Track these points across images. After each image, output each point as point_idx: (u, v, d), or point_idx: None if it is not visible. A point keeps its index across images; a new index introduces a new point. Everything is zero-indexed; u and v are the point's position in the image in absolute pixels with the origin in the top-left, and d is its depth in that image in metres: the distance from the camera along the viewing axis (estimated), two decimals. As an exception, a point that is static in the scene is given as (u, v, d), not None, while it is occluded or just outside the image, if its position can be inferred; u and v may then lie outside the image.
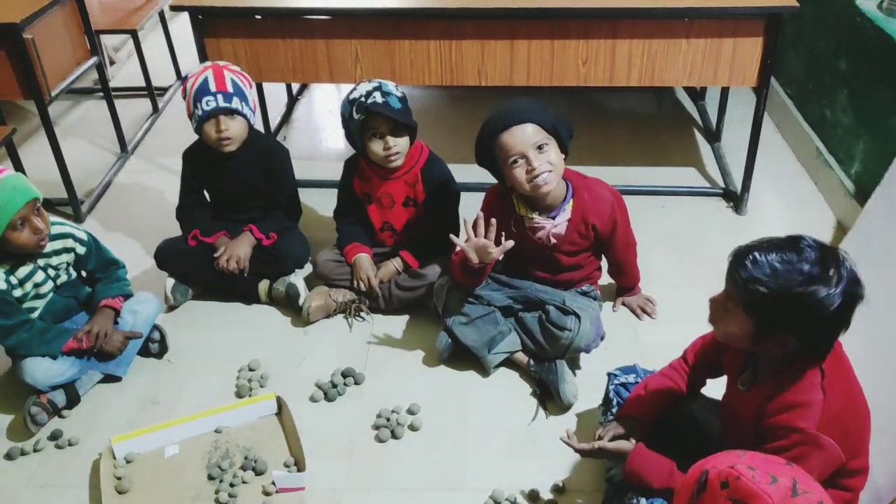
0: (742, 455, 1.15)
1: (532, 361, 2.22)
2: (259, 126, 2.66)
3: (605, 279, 2.44)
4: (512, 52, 2.66)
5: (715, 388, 1.80)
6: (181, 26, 3.49)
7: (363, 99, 2.25)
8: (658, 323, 2.43)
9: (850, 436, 1.45)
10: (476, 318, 2.23)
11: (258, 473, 1.96)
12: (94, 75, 3.67)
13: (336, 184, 2.57)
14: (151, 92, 3.84)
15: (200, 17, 2.70)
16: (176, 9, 2.70)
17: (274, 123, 3.57)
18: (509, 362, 2.26)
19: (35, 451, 2.06)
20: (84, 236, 2.23)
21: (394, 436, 2.07)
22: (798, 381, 1.43)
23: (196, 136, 2.47)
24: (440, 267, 2.41)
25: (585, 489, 1.91)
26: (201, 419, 2.07)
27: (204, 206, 2.61)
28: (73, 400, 2.17)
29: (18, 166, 2.86)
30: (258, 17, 2.72)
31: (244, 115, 2.39)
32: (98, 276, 2.29)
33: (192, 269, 2.52)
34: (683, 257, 2.73)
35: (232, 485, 1.92)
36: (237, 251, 2.44)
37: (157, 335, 2.34)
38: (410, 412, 2.14)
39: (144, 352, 2.33)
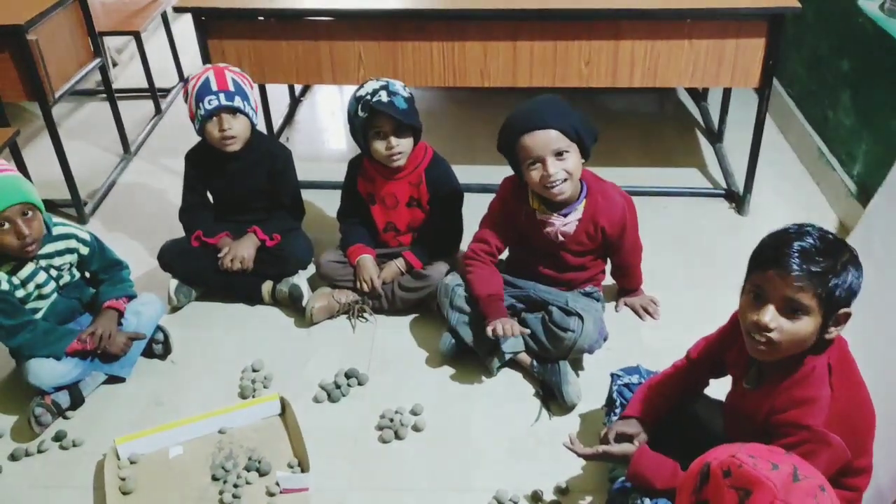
0: (742, 446, 1.17)
1: (535, 362, 2.22)
2: (262, 128, 2.67)
3: (608, 280, 2.45)
4: (515, 53, 2.67)
5: (716, 389, 1.80)
6: (184, 28, 3.49)
7: (368, 97, 2.26)
8: (661, 324, 2.43)
9: (856, 433, 1.45)
10: (473, 312, 2.23)
11: (262, 474, 1.96)
12: (97, 77, 3.68)
13: (339, 185, 2.57)
14: (154, 93, 3.84)
15: (203, 18, 2.70)
16: (179, 10, 2.70)
17: (276, 125, 3.57)
18: (513, 363, 2.26)
19: (39, 451, 2.06)
20: (87, 237, 2.23)
21: (397, 436, 2.07)
22: (806, 377, 1.43)
23: (199, 139, 2.47)
24: (446, 266, 2.42)
25: (589, 490, 1.91)
26: (205, 420, 2.07)
27: (207, 207, 2.61)
28: (76, 401, 2.17)
29: (22, 167, 2.86)
30: (261, 18, 2.72)
31: (246, 115, 2.39)
32: (101, 278, 2.29)
33: (195, 270, 2.52)
34: (685, 258, 2.73)
35: (236, 485, 1.92)
36: (241, 251, 2.45)
37: (160, 336, 2.34)
38: (414, 413, 2.14)
39: (148, 353, 2.33)
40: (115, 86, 3.63)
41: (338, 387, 2.21)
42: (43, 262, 2.14)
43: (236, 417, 2.10)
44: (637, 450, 1.63)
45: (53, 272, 2.18)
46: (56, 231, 2.16)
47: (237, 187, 2.53)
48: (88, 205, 3.08)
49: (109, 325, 2.19)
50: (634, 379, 1.92)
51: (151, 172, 3.38)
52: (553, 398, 2.16)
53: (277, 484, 1.91)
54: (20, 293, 2.11)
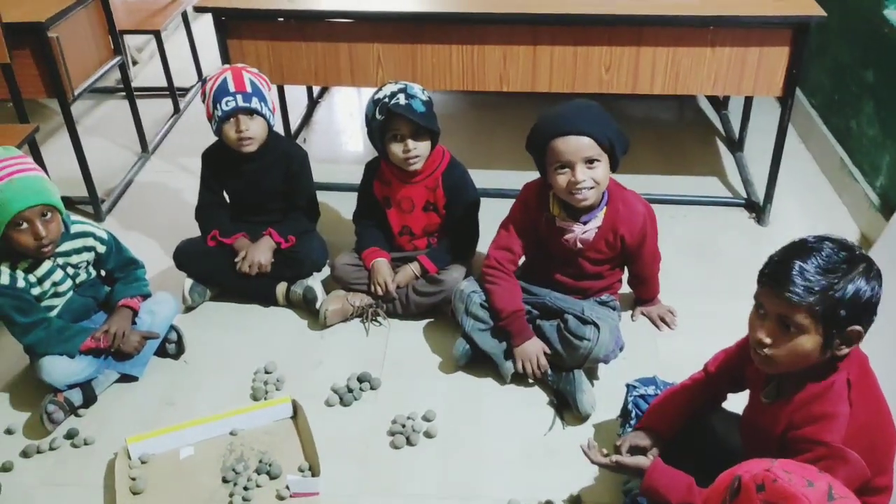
0: (774, 461, 1.14)
1: (550, 371, 2.20)
2: (279, 129, 2.66)
3: (624, 288, 2.42)
4: (535, 58, 2.65)
5: (734, 403, 1.77)
6: (204, 27, 3.51)
7: (386, 100, 2.25)
8: (678, 334, 2.40)
9: (876, 451, 1.42)
10: (495, 325, 2.21)
11: (272, 477, 1.95)
12: (116, 75, 3.69)
13: (355, 187, 2.56)
14: (173, 92, 3.86)
15: (224, 18, 2.71)
16: (200, 10, 2.71)
17: (294, 126, 3.57)
18: (527, 371, 2.25)
19: (51, 449, 2.06)
20: (104, 235, 2.23)
21: (409, 442, 2.06)
22: (825, 392, 1.41)
23: (216, 138, 2.47)
24: (461, 271, 2.41)
25: (602, 502, 1.89)
26: (216, 421, 2.07)
27: (223, 207, 2.61)
28: (89, 399, 2.17)
29: (40, 164, 2.84)
30: (281, 19, 2.72)
31: (263, 116, 2.39)
32: (117, 276, 2.29)
33: (210, 270, 2.52)
34: (704, 268, 2.70)
35: (246, 488, 1.91)
36: (258, 257, 2.44)
37: (174, 336, 2.34)
38: (426, 419, 2.12)
39: (161, 352, 2.33)
40: (134, 84, 3.65)
41: (350, 391, 2.20)
42: (60, 260, 2.14)
43: (248, 419, 2.09)
44: (651, 463, 1.60)
45: (70, 270, 2.18)
46: (74, 229, 2.16)
47: (253, 189, 2.53)
48: (105, 202, 3.09)
49: (124, 323, 2.19)
50: (650, 390, 1.90)
51: (169, 172, 3.38)
52: (567, 407, 2.14)
53: (288, 487, 1.90)
54: (36, 291, 2.11)
